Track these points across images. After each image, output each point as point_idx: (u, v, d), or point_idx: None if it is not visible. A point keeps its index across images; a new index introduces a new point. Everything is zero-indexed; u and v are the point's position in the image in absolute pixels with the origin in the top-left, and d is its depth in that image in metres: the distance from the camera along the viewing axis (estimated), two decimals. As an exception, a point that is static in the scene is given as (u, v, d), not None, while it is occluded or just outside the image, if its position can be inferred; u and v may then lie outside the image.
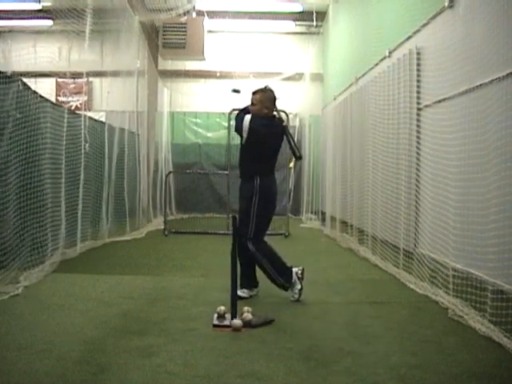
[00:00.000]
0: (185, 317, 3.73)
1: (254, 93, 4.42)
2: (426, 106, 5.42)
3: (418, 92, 5.59)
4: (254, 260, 4.31)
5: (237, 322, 3.44)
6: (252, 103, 4.40)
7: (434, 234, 4.77)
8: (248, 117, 4.28)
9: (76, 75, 7.73)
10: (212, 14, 11.51)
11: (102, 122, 8.60)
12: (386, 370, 2.73)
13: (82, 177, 6.91)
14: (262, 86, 4.46)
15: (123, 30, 8.71)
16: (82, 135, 6.87)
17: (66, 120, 6.42)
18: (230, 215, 3.92)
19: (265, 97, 4.37)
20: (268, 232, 4.51)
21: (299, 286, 4.22)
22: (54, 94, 12.54)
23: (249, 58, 13.14)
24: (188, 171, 12.30)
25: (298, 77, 12.59)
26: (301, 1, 11.46)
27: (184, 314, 3.82)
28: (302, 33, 13.01)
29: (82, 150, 6.91)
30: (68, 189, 6.40)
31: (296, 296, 4.22)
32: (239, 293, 3.99)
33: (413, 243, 5.51)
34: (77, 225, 6.68)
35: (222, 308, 3.65)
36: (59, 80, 12.49)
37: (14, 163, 5.01)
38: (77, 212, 6.72)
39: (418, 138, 5.51)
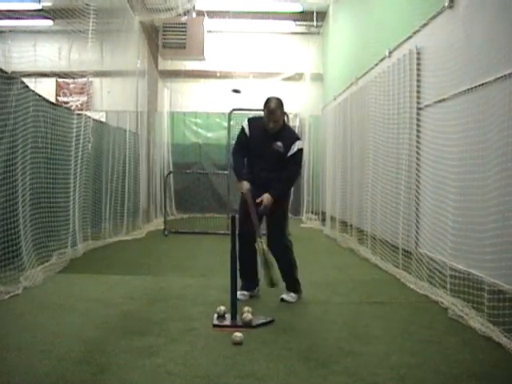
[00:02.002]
0: (185, 317, 3.73)
1: (270, 107, 4.15)
2: (427, 106, 5.42)
3: (418, 92, 5.60)
4: (286, 255, 4.31)
5: (238, 335, 3.19)
6: (273, 115, 4.15)
7: (433, 234, 4.77)
8: (299, 143, 4.23)
9: (76, 75, 7.73)
10: (212, 14, 11.51)
11: (101, 121, 8.61)
12: (385, 370, 2.73)
13: (83, 177, 6.91)
14: (266, 98, 4.23)
15: (123, 30, 8.71)
16: (82, 135, 6.89)
17: (74, 121, 6.45)
18: (230, 215, 3.91)
19: (280, 104, 4.21)
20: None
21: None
22: (54, 94, 12.54)
23: (249, 58, 13.14)
24: (188, 171, 12.30)
25: (297, 77, 12.59)
26: (301, 1, 11.46)
27: (184, 314, 3.82)
28: (302, 33, 13.01)
29: (83, 151, 6.93)
30: (69, 189, 6.40)
31: (289, 299, 4.27)
32: (239, 296, 3.96)
33: (413, 243, 5.50)
34: (78, 225, 6.68)
35: (222, 308, 3.65)
36: (59, 80, 12.49)
37: (17, 164, 5.01)
38: (77, 212, 6.71)
39: (418, 137, 5.51)
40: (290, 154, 4.19)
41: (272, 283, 4.07)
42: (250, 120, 4.40)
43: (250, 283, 4.40)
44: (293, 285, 4.35)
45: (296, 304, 4.21)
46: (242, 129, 4.37)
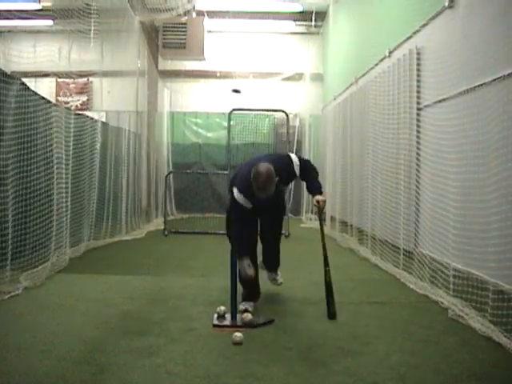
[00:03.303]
0: (185, 317, 3.73)
1: (259, 182, 3.62)
2: (426, 106, 5.42)
3: (418, 92, 5.60)
4: (278, 245, 4.53)
5: (238, 335, 3.18)
6: (265, 190, 3.66)
7: (433, 233, 4.77)
8: (295, 159, 4.00)
9: (76, 75, 7.75)
10: (212, 14, 11.52)
11: (102, 122, 8.61)
12: (385, 370, 2.73)
13: (84, 177, 6.92)
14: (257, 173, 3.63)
15: (123, 30, 8.72)
16: (90, 136, 6.93)
17: (72, 121, 6.44)
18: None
19: (271, 176, 3.65)
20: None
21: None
22: (54, 94, 12.54)
23: (249, 58, 13.14)
24: (188, 171, 12.31)
25: (297, 77, 12.59)
26: (301, 1, 11.46)
27: (184, 314, 3.82)
28: (302, 33, 13.01)
29: (93, 151, 6.98)
30: (70, 189, 6.40)
31: (281, 280, 4.53)
32: (242, 307, 3.75)
33: (413, 243, 5.51)
34: (78, 225, 6.68)
35: (222, 308, 3.65)
36: (59, 80, 12.48)
37: (16, 163, 5.01)
38: (78, 212, 6.72)
39: (417, 137, 5.51)
40: (298, 173, 3.99)
41: (333, 314, 3.78)
42: (240, 190, 3.80)
43: (254, 289, 4.12)
44: (277, 264, 4.54)
45: (296, 304, 4.21)
46: (239, 204, 3.83)
